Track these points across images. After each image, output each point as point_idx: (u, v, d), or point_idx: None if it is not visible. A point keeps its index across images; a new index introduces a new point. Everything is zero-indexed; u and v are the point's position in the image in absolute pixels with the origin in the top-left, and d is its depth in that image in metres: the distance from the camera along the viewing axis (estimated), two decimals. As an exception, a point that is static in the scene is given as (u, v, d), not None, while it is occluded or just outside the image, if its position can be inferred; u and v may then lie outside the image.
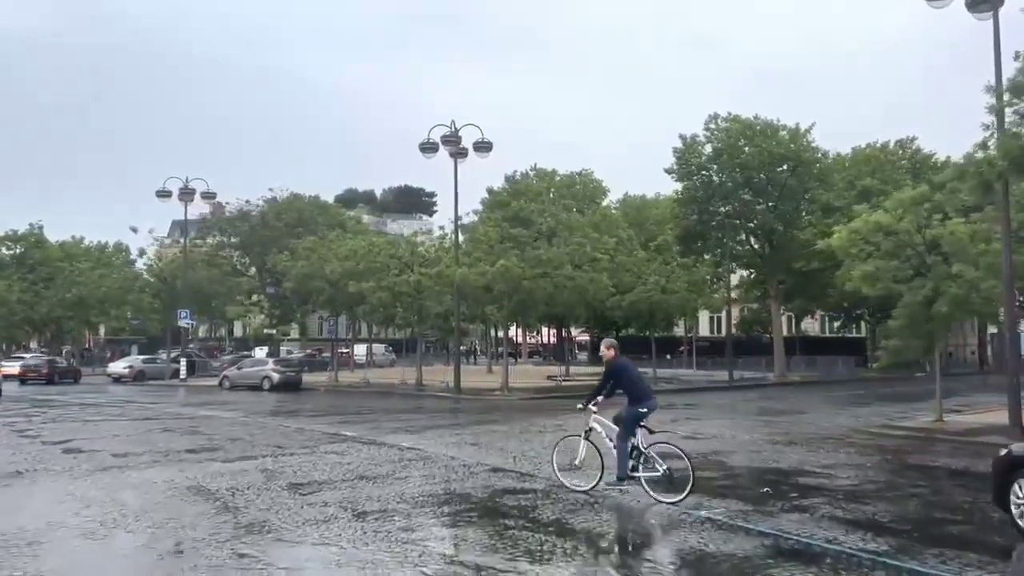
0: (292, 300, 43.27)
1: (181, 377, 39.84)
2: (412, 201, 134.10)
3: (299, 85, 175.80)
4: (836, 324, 59.49)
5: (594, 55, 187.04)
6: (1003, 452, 8.27)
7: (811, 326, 61.60)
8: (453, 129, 30.12)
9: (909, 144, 50.23)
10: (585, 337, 71.73)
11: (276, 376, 33.92)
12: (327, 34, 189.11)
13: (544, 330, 74.34)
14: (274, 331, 39.62)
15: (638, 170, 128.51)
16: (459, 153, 30.72)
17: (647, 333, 40.23)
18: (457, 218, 30.08)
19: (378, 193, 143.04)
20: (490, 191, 50.43)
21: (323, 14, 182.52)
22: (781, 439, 16.36)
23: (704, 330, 64.96)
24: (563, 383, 32.37)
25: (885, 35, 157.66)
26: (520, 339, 77.32)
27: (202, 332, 70.46)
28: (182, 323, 39.52)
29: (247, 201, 48.18)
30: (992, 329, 58.94)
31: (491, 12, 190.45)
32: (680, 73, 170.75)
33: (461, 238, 35.69)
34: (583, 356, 67.53)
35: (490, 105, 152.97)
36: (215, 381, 36.12)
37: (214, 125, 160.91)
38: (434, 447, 14.04)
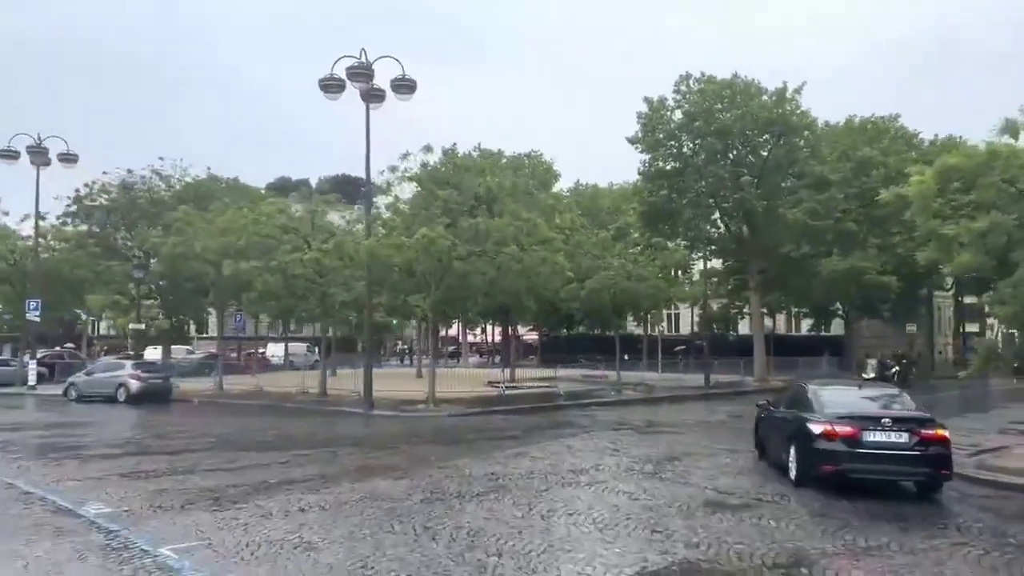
0: (166, 288, 35.33)
1: (29, 384, 31.67)
2: (351, 190, 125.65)
3: (232, 78, 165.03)
4: (808, 322, 54.00)
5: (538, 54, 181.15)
6: None
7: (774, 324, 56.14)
8: (364, 61, 22.91)
9: (893, 121, 45.08)
10: (534, 336, 64.90)
11: (135, 385, 26.20)
12: (268, 28, 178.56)
13: (488, 327, 67.18)
14: (142, 326, 31.66)
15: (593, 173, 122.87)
16: (373, 94, 23.52)
17: (607, 331, 33.75)
18: (369, 179, 22.84)
19: (314, 182, 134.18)
20: (424, 165, 43.18)
21: (261, 13, 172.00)
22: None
23: (665, 328, 59.08)
24: (507, 392, 25.49)
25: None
26: (464, 337, 70.32)
27: (107, 329, 61.44)
28: (30, 316, 31.32)
29: (129, 171, 39.85)
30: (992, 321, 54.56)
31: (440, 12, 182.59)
32: (623, 75, 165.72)
33: (385, 211, 28.60)
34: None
35: (446, 105, 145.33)
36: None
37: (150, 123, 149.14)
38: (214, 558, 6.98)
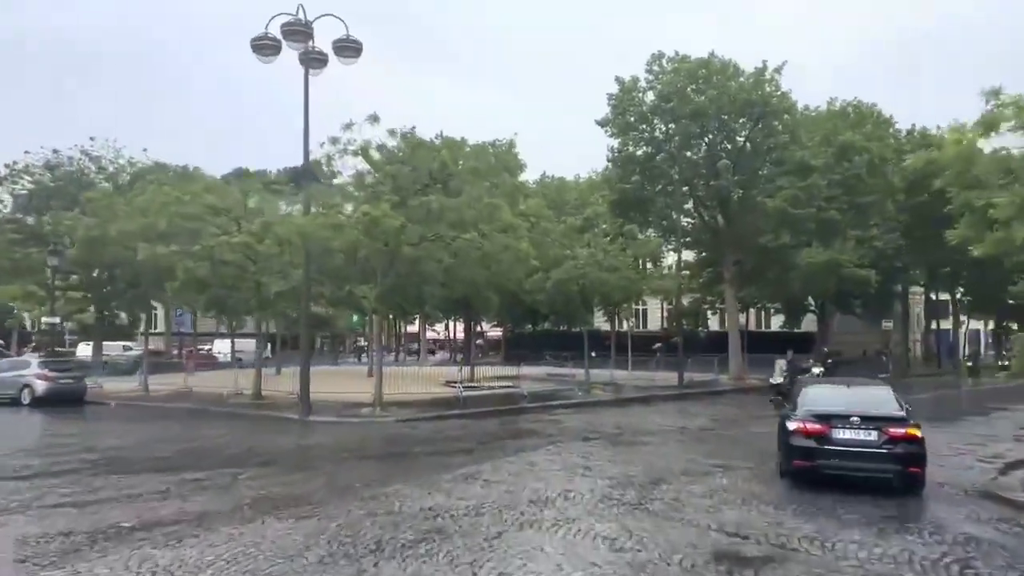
0: (99, 278, 31.99)
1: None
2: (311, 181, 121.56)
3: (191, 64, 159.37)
4: (780, 318, 52.28)
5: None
6: None
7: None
8: (302, 19, 20.07)
9: (869, 109, 43.51)
10: (497, 332, 62.41)
11: (41, 386, 23.09)
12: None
13: (451, 323, 64.47)
14: (56, 319, 28.21)
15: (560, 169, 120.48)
16: (313, 58, 20.70)
17: (574, 327, 31.29)
18: (307, 152, 19.99)
19: (273, 173, 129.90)
20: (382, 148, 40.18)
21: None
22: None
23: (634, 323, 57.01)
24: (465, 393, 22.83)
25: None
26: (424, 334, 67.48)
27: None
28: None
29: (55, 151, 36.30)
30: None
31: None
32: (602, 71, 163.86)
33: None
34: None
35: (411, 104, 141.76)
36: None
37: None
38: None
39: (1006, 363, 35.95)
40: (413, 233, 19.57)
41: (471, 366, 29.41)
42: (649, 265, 36.56)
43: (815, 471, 10.21)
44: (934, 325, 54.87)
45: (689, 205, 34.82)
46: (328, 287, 24.10)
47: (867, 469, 10.11)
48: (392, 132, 22.49)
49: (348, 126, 20.82)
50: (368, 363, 39.11)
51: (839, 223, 30.92)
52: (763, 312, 53.95)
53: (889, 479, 10.07)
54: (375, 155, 21.48)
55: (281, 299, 21.92)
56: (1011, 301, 60.36)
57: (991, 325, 66.38)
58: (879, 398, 10.97)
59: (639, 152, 33.65)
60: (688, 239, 35.78)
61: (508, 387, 25.77)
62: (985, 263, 42.21)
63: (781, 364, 31.89)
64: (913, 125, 42.58)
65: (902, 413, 10.39)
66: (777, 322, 53.02)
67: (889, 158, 33.72)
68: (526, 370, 31.95)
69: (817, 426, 10.22)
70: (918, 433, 10.07)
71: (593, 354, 34.10)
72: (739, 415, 21.33)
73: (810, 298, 47.11)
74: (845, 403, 10.74)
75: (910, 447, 9.98)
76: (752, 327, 55.72)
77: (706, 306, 43.74)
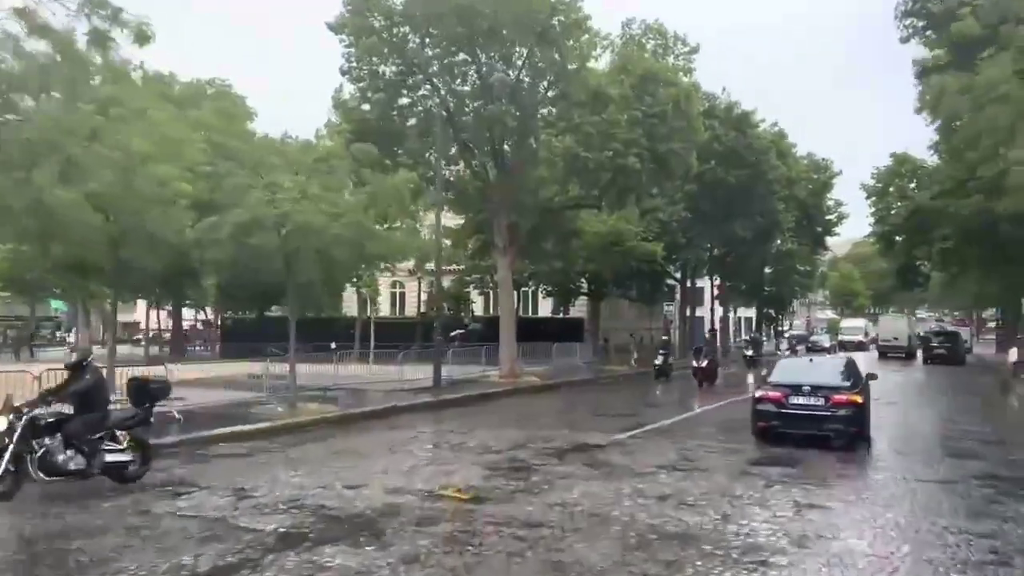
0: None
1: None
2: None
3: None
4: (549, 302, 46.15)
5: None
6: None
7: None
8: None
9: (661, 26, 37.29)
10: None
11: None
12: None
13: (154, 306, 50.85)
14: None
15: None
16: None
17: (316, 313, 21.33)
18: None
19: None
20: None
21: None
22: None
23: (386, 308, 48.16)
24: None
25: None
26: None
27: None
28: None
29: None
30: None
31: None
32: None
33: None
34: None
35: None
36: None
37: None
38: None
39: (749, 353, 32.96)
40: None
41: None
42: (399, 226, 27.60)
43: (774, 430, 12.68)
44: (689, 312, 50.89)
45: (453, 150, 26.47)
46: None
47: (813, 428, 12.32)
48: None
49: None
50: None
51: (639, 173, 24.18)
52: (533, 296, 47.82)
53: (835, 437, 12.18)
54: None
55: None
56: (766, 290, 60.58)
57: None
58: (834, 370, 13.62)
59: (385, 69, 24.67)
60: (451, 194, 27.33)
61: (162, 408, 15.45)
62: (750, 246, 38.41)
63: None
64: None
65: (848, 383, 12.79)
66: (546, 308, 47.01)
67: (694, 97, 27.76)
68: (226, 369, 22.24)
69: (776, 394, 12.72)
70: (859, 399, 12.46)
71: (333, 345, 24.63)
72: (532, 441, 13.15)
73: (583, 280, 41.49)
74: (803, 375, 13.10)
75: (851, 411, 12.27)
76: (520, 312, 49.42)
77: (472, 284, 35.97)
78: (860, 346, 58.20)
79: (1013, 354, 28.09)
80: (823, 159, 53.02)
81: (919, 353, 43.50)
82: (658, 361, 26.38)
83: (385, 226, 20.98)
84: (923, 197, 34.49)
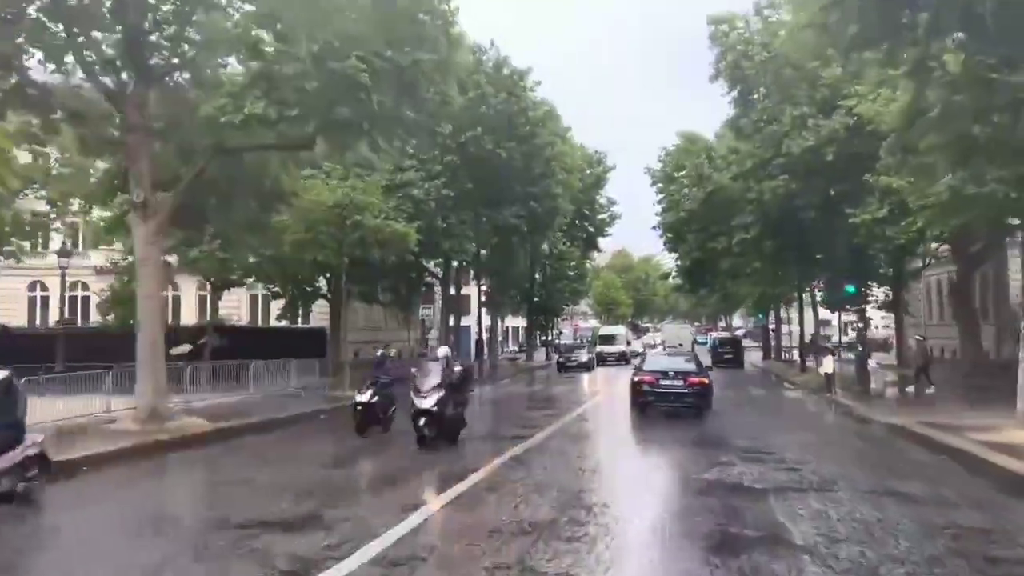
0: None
1: None
2: None
3: None
4: (279, 305, 35.90)
5: None
6: None
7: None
8: None
9: None
10: None
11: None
12: None
13: None
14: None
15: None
16: None
17: None
18: None
19: None
20: None
21: None
22: None
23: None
24: None
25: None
26: None
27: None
28: None
29: None
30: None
31: None
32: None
33: None
34: None
35: None
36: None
37: None
38: None
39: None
40: None
41: None
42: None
43: (648, 404, 18.22)
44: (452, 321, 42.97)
45: (59, 33, 15.69)
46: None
47: (677, 403, 18.01)
48: None
49: None
50: None
51: (365, 91, 15.07)
52: (263, 299, 37.54)
53: (690, 407, 17.91)
54: None
55: None
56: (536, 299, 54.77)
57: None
58: (687, 361, 20.07)
59: None
60: (66, 115, 16.37)
61: None
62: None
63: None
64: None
65: (698, 369, 18.91)
66: (275, 312, 36.76)
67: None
68: None
69: (650, 377, 18.30)
70: (707, 380, 18.23)
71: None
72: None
73: (322, 278, 32.18)
74: (667, 364, 19.40)
75: (701, 390, 17.97)
76: (246, 319, 38.62)
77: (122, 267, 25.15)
78: (622, 358, 48.21)
79: (828, 364, 23.46)
80: (596, 151, 48.59)
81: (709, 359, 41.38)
82: (362, 397, 15.00)
83: None
84: (723, 179, 29.84)
